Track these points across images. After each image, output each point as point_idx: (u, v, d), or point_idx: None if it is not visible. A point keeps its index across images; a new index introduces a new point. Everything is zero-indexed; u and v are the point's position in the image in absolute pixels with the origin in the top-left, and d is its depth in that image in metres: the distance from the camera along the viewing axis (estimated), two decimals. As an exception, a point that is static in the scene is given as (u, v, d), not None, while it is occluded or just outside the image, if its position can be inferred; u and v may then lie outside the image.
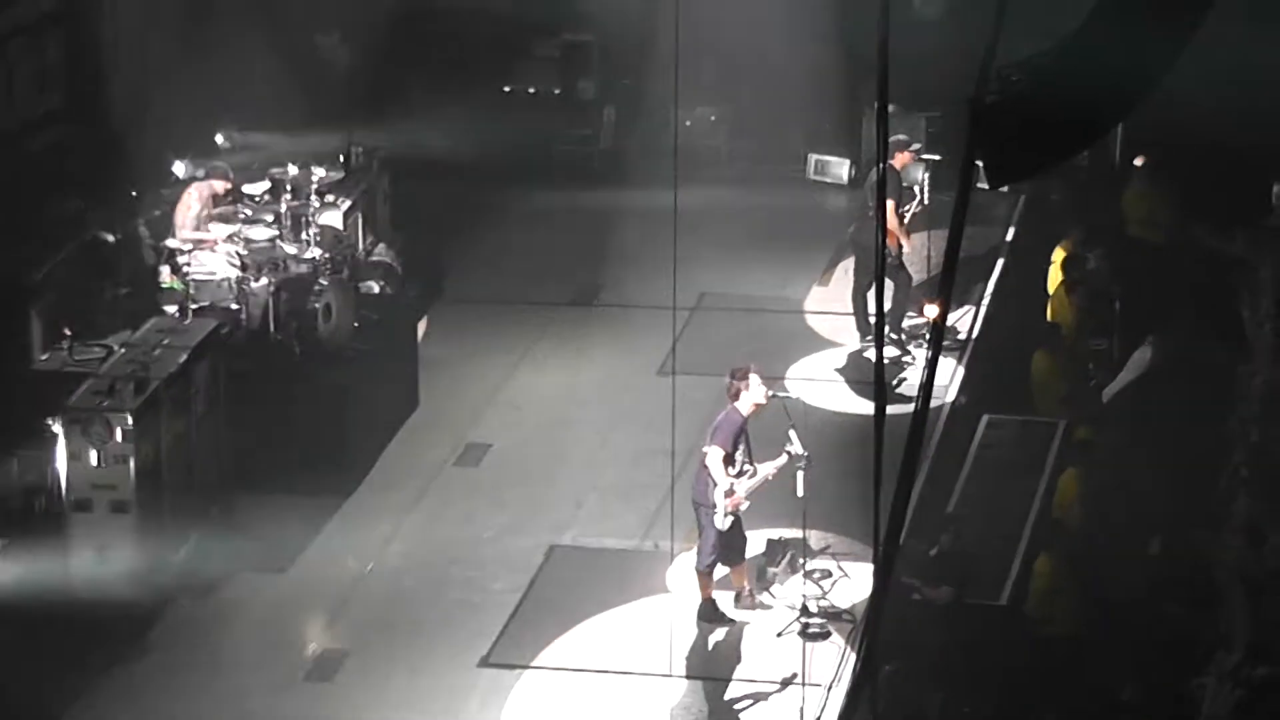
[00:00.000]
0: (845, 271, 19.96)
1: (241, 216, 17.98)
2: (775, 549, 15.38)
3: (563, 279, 20.54)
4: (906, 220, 18.66)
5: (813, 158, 22.66)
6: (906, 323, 18.85)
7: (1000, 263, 19.85)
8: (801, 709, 13.94)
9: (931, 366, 6.20)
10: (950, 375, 17.95)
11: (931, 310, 18.56)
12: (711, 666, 14.71)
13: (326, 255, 17.65)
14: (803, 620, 14.81)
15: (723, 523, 14.64)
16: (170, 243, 17.82)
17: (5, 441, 15.56)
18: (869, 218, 18.68)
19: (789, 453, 14.47)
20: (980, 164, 6.31)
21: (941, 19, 21.68)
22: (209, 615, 15.36)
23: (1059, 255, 18.34)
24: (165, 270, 17.71)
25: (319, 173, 18.54)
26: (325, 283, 17.34)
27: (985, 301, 19.28)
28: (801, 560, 15.15)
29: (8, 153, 18.34)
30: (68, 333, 16.86)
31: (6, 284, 17.20)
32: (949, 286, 6.46)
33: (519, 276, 20.57)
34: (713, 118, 23.06)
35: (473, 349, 19.27)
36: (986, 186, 6.46)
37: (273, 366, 16.94)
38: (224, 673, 14.72)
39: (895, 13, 5.95)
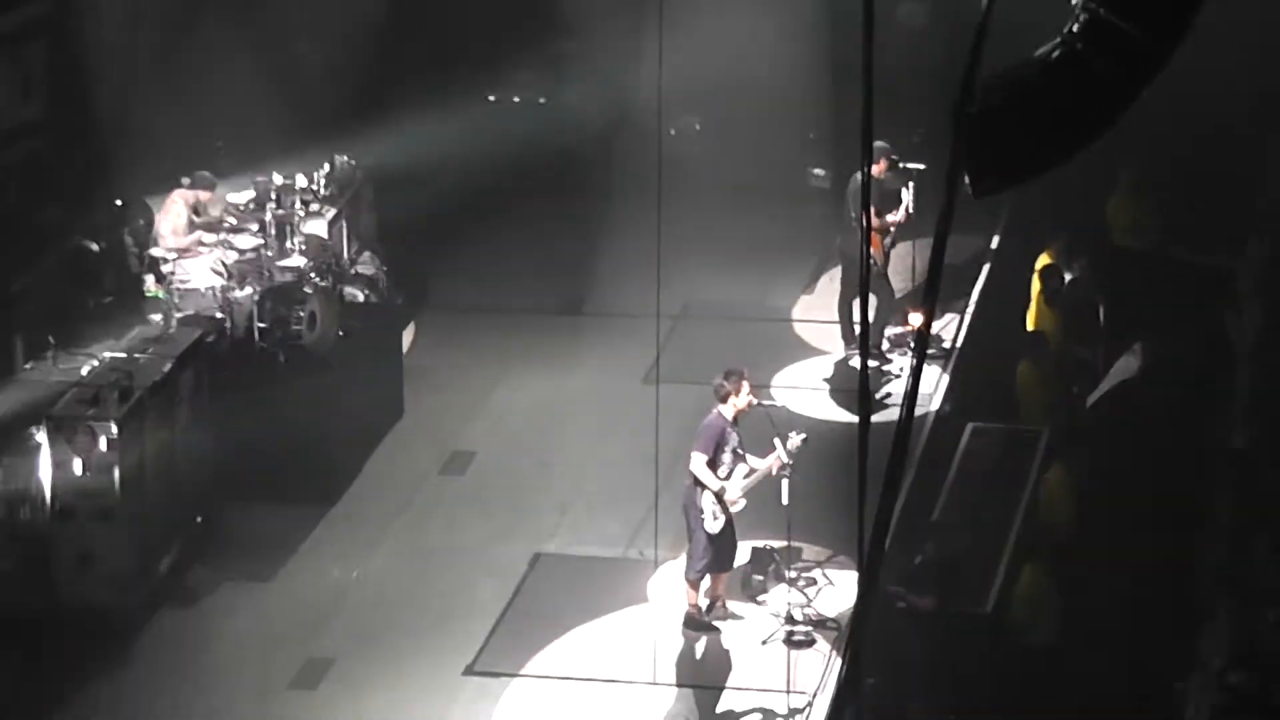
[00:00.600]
0: (830, 280, 19.99)
1: (226, 225, 17.99)
2: (761, 557, 15.41)
3: (548, 288, 20.53)
4: (892, 231, 18.68)
5: (808, 169, 22.67)
6: (889, 331, 18.90)
7: (984, 271, 19.86)
8: (787, 717, 13.97)
9: (916, 375, 6.21)
10: (935, 384, 17.98)
11: (916, 319, 18.59)
12: (697, 675, 14.72)
13: (311, 264, 17.64)
14: (788, 628, 14.85)
15: (713, 525, 14.66)
16: (155, 251, 17.82)
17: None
18: (853, 227, 18.70)
19: (779, 456, 14.53)
20: (965, 174, 6.34)
21: (925, 29, 21.68)
22: (193, 623, 15.36)
23: (1040, 264, 18.36)
24: (150, 279, 17.70)
25: (304, 181, 18.56)
26: (310, 291, 17.33)
27: (970, 310, 19.30)
28: (787, 568, 15.18)
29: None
30: (52, 341, 16.85)
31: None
32: (934, 295, 6.47)
33: (504, 285, 20.55)
34: (698, 126, 23.06)
35: (457, 357, 19.27)
36: (971, 196, 6.47)
37: (258, 375, 16.93)
38: (209, 681, 14.71)
39: (879, 23, 5.96)
